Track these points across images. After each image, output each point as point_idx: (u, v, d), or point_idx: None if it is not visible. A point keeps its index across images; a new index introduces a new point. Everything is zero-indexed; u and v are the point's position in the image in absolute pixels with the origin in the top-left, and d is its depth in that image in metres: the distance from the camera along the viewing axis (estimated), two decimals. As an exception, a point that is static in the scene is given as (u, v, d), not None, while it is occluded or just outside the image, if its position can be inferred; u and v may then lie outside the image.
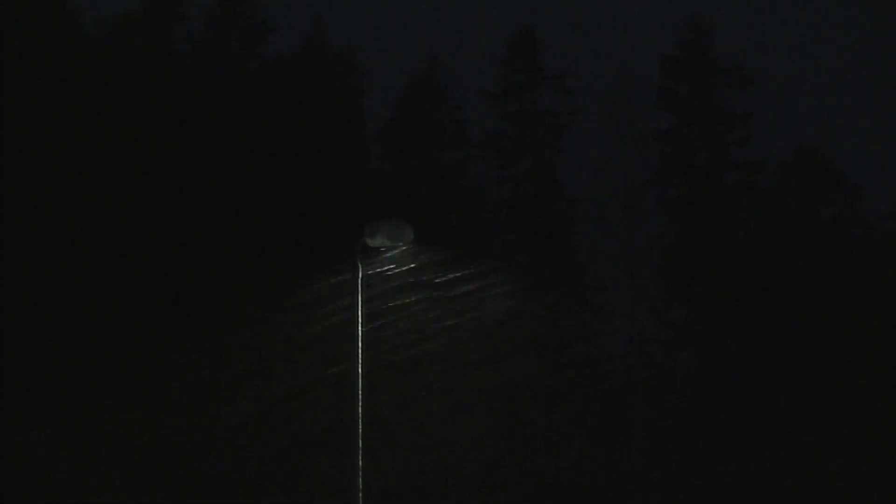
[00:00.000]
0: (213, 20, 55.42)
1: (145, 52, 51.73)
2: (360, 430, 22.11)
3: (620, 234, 57.63)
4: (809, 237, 56.21)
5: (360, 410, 22.13)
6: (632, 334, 57.06)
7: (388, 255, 22.39)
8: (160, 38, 53.14)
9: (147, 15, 53.05)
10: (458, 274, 49.74)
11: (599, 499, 51.74)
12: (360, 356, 22.22)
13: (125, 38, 52.40)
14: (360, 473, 22.07)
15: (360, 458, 22.07)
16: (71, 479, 43.29)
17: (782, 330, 54.43)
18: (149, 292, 46.02)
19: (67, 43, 50.71)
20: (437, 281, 48.80)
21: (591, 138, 58.60)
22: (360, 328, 22.24)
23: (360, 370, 22.19)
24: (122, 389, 44.46)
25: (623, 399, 55.17)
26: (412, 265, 46.33)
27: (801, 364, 53.59)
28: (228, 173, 48.89)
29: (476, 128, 58.24)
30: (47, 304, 45.22)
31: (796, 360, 53.70)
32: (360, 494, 22.06)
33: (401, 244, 22.11)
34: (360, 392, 22.18)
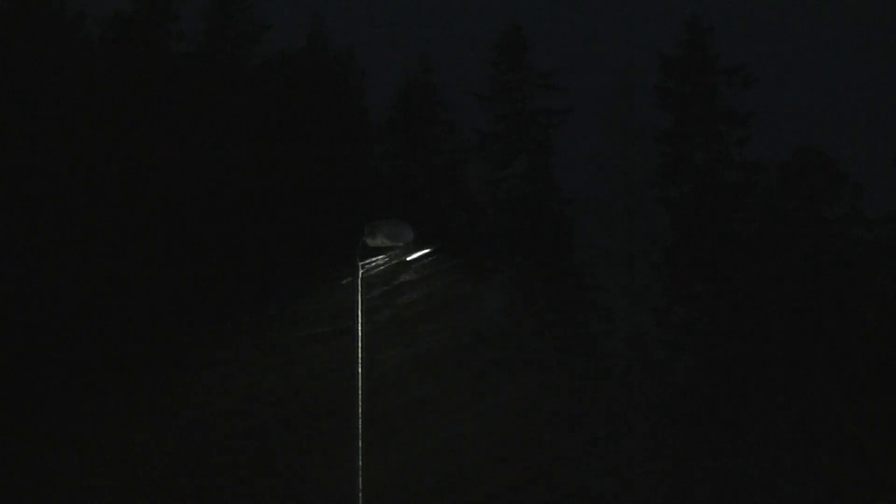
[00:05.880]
0: (210, 19, 55.33)
1: (142, 52, 51.66)
2: (360, 430, 22.11)
3: (620, 234, 57.67)
4: (809, 237, 56.19)
5: (359, 410, 22.14)
6: (632, 334, 57.12)
7: (388, 255, 22.35)
8: (154, 38, 53.02)
9: (140, 14, 52.90)
10: (458, 273, 49.76)
11: (599, 497, 51.76)
12: (360, 356, 22.23)
13: (121, 38, 52.33)
14: (360, 473, 22.07)
15: (360, 457, 22.07)
16: (72, 483, 43.34)
17: (782, 330, 54.43)
18: (148, 293, 46.01)
19: (68, 43, 50.71)
20: (436, 281, 48.82)
21: (590, 138, 58.65)
22: (359, 328, 22.24)
23: (360, 370, 22.20)
24: (121, 392, 44.47)
25: (622, 399, 55.19)
26: (412, 266, 46.35)
27: (800, 364, 53.60)
28: (228, 173, 48.88)
29: (472, 129, 58.15)
30: (45, 307, 45.20)
31: (796, 359, 53.70)
32: (361, 495, 22.07)
33: (400, 244, 22.10)
34: (360, 392, 22.18)
